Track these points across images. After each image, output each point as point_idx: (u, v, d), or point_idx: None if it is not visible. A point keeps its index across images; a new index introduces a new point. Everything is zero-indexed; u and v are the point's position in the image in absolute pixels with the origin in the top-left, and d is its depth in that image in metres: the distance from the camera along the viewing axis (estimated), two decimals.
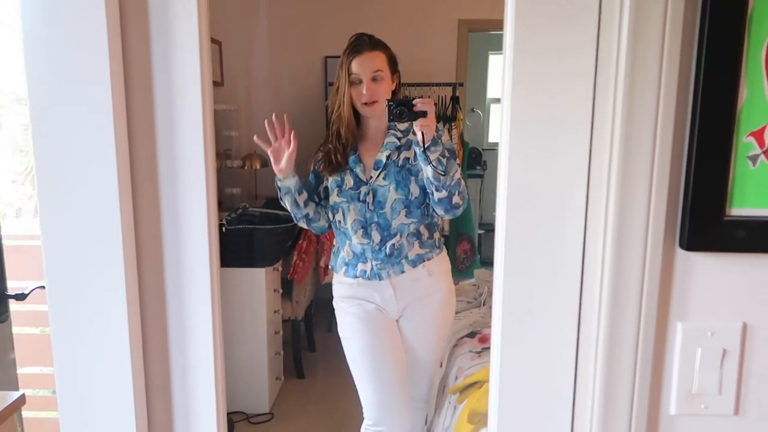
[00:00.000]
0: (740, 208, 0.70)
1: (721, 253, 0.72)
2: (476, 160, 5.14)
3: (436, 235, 1.91)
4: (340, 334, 1.94)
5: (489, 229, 5.31)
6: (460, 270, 3.66)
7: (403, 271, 1.84)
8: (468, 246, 3.69)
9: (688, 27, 0.68)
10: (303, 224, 1.93)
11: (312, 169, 1.94)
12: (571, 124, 0.73)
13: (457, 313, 2.48)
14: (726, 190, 0.70)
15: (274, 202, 3.81)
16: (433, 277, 1.87)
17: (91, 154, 0.79)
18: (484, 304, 2.46)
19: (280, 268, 3.12)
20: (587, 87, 0.72)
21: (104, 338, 0.85)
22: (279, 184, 1.84)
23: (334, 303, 1.97)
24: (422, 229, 1.85)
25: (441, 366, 2.32)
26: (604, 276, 0.73)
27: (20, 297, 1.76)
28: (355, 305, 1.89)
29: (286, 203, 1.86)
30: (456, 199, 1.76)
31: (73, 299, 0.84)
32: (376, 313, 1.88)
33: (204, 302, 0.86)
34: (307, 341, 3.60)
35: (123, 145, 0.80)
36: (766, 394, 0.75)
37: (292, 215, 1.92)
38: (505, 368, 0.79)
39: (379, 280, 1.84)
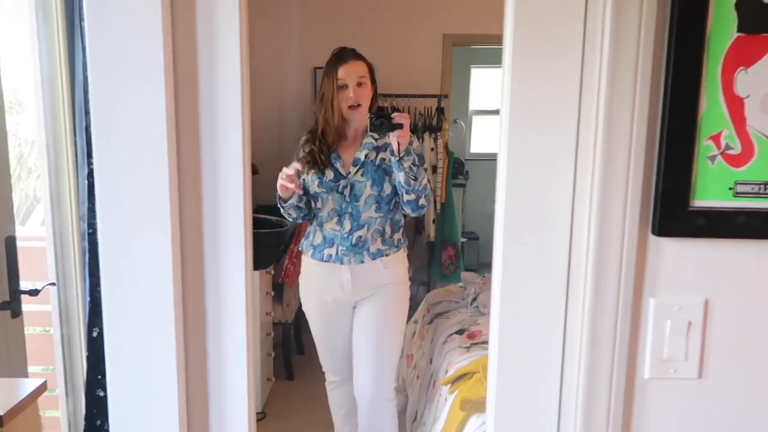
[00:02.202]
0: (701, 200, 0.83)
1: (686, 238, 0.85)
2: (459, 170, 5.29)
3: (396, 236, 2.16)
4: (303, 309, 2.27)
5: (471, 237, 5.46)
6: (445, 275, 3.78)
7: (362, 261, 2.08)
8: (453, 252, 3.82)
9: (658, 50, 0.81)
10: (302, 215, 2.15)
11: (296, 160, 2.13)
12: (559, 127, 0.85)
13: (445, 312, 2.60)
14: (690, 185, 0.83)
15: (266, 207, 3.91)
16: (388, 269, 2.12)
17: (145, 156, 0.89)
18: (471, 304, 2.59)
19: (272, 272, 3.22)
20: (574, 96, 0.84)
21: (151, 337, 0.93)
22: (283, 203, 2.08)
23: (300, 279, 2.25)
24: (387, 227, 2.10)
25: (410, 364, 2.50)
26: (589, 258, 0.85)
27: (33, 293, 1.84)
28: (315, 294, 2.18)
29: (291, 212, 2.11)
30: (422, 201, 2.04)
31: (125, 293, 0.92)
32: (332, 305, 2.15)
33: (238, 285, 0.96)
34: (296, 344, 3.69)
35: (173, 151, 0.90)
36: (724, 360, 0.88)
37: (293, 218, 2.15)
38: (502, 342, 0.90)
39: (341, 264, 2.08)
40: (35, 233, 3.45)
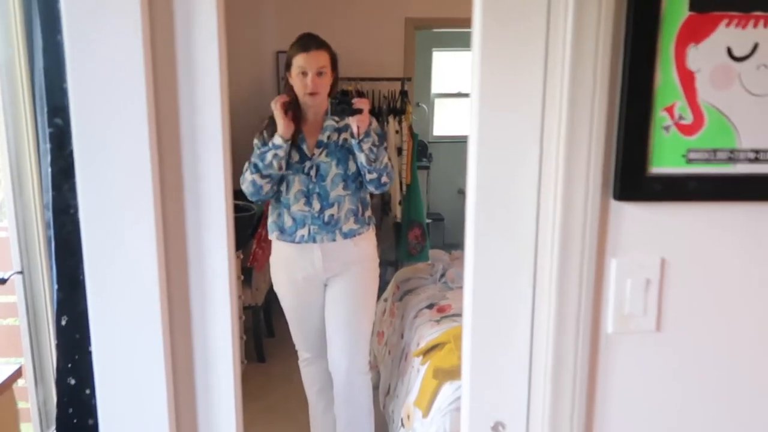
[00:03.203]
0: (658, 167, 0.90)
1: (644, 202, 0.92)
2: (422, 152, 5.35)
3: (367, 213, 2.24)
4: (275, 288, 2.32)
5: (436, 218, 5.55)
6: (412, 255, 3.85)
7: (334, 240, 2.15)
8: (419, 232, 3.89)
9: (617, 29, 0.87)
10: (266, 189, 2.11)
11: (261, 141, 2.13)
12: (527, 102, 0.90)
13: (414, 289, 2.67)
14: (647, 153, 0.90)
15: (234, 193, 3.90)
16: (358, 247, 2.20)
17: (126, 139, 0.90)
18: (439, 280, 2.66)
19: (241, 256, 3.22)
20: (539, 76, 0.90)
21: (136, 317, 0.94)
22: (281, 142, 2.05)
23: (271, 259, 2.28)
24: (359, 206, 2.17)
25: (382, 341, 2.57)
26: (555, 223, 0.91)
27: (1, 282, 1.82)
28: (286, 273, 2.23)
29: (274, 163, 2.06)
30: (384, 179, 2.13)
31: (109, 276, 0.93)
32: (303, 283, 2.21)
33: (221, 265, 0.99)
34: (266, 327, 3.71)
35: (153, 133, 0.92)
36: (679, 313, 0.96)
37: (264, 175, 2.08)
38: (476, 307, 0.96)
39: (313, 242, 2.14)
40: None
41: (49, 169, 2.11)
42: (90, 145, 0.90)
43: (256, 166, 2.07)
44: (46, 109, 2.01)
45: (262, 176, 2.08)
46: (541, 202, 0.92)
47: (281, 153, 2.05)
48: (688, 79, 0.88)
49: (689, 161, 0.90)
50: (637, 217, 0.92)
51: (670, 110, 0.89)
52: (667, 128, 0.89)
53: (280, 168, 2.09)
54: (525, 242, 0.94)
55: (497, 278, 0.95)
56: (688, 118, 0.89)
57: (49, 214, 2.18)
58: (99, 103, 0.89)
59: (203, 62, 0.93)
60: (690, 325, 0.96)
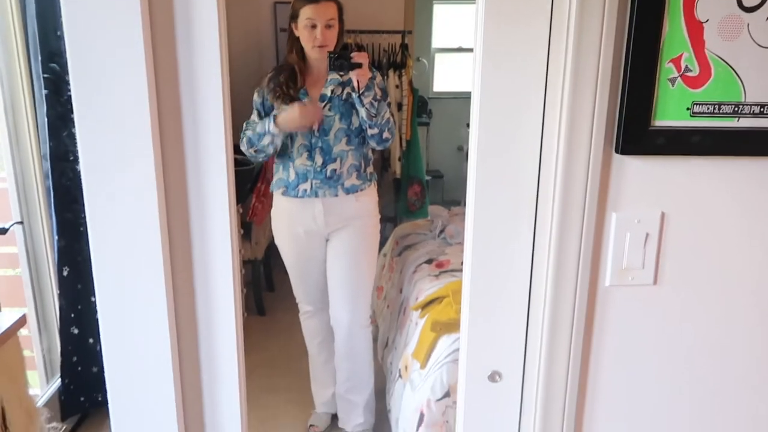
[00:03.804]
0: (661, 120, 0.89)
1: (647, 156, 0.91)
2: (422, 109, 5.29)
3: (369, 169, 2.23)
4: (276, 242, 2.33)
5: (435, 175, 5.53)
6: (411, 211, 3.86)
7: (336, 195, 2.14)
8: (419, 189, 3.89)
9: None
10: (268, 150, 2.13)
11: (261, 101, 2.14)
12: (531, 53, 0.89)
13: (414, 244, 2.69)
14: (651, 106, 0.89)
15: (233, 147, 3.87)
16: (360, 202, 2.20)
17: (125, 86, 0.89)
18: (438, 236, 2.68)
19: (240, 210, 3.23)
20: (544, 28, 0.88)
21: (140, 266, 0.95)
22: (278, 131, 2.06)
23: (272, 212, 2.30)
24: (361, 162, 2.16)
25: (381, 296, 2.59)
26: (557, 175, 0.91)
27: (2, 231, 1.83)
28: (288, 227, 2.24)
29: (269, 148, 2.10)
30: (386, 134, 2.12)
31: (110, 224, 0.93)
32: (304, 237, 2.22)
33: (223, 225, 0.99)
34: (266, 281, 3.74)
35: (152, 83, 0.90)
36: (676, 268, 0.97)
37: (258, 150, 2.12)
38: (477, 254, 0.96)
39: (315, 197, 2.14)
40: None
41: (46, 118, 2.09)
42: (88, 90, 0.88)
43: (251, 141, 2.10)
44: (40, 56, 1.98)
45: (257, 151, 2.11)
46: (544, 155, 0.92)
47: (278, 141, 2.08)
48: (696, 29, 0.87)
49: (693, 114, 0.89)
50: (638, 171, 0.92)
51: (676, 62, 0.88)
52: (672, 80, 0.88)
53: (275, 151, 2.12)
54: (526, 195, 0.94)
55: (498, 230, 0.95)
56: (695, 70, 0.88)
57: (47, 164, 2.17)
58: (96, 47, 0.87)
59: (201, 10, 0.90)
60: (687, 279, 0.97)
